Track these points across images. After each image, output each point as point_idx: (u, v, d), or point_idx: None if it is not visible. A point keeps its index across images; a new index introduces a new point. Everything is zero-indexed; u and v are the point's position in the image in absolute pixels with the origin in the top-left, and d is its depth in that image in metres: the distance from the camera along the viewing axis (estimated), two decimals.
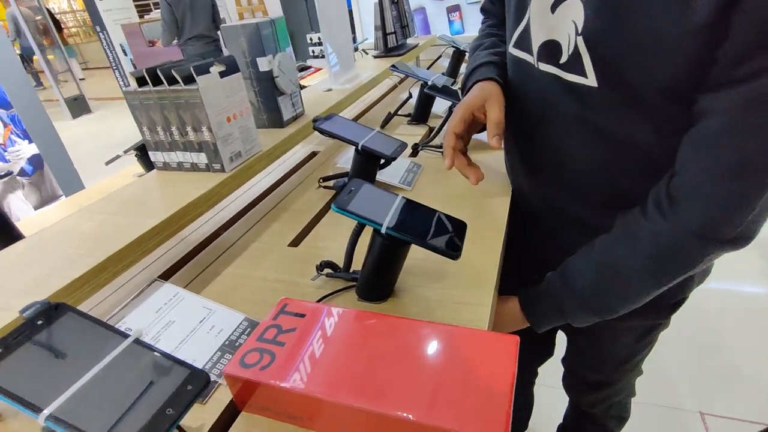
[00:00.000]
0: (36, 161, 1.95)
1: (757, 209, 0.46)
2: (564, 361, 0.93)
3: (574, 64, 0.52)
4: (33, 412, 0.32)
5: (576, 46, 0.51)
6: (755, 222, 0.47)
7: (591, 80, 0.51)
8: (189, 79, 0.64)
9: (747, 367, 1.44)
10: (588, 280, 0.58)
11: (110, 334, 0.38)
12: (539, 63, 0.58)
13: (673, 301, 0.67)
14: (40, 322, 0.37)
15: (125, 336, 0.38)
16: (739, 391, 1.38)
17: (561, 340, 0.90)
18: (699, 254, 0.50)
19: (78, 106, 5.63)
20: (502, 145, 0.63)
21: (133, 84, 0.68)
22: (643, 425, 1.30)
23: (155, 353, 0.37)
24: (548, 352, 1.00)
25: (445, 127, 0.70)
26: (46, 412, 0.32)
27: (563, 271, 0.61)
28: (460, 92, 0.81)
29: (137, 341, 0.38)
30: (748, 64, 0.41)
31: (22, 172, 1.88)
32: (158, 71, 0.64)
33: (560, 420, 1.12)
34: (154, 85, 0.66)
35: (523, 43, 0.60)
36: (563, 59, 0.53)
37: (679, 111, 0.47)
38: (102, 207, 0.64)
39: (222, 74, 0.67)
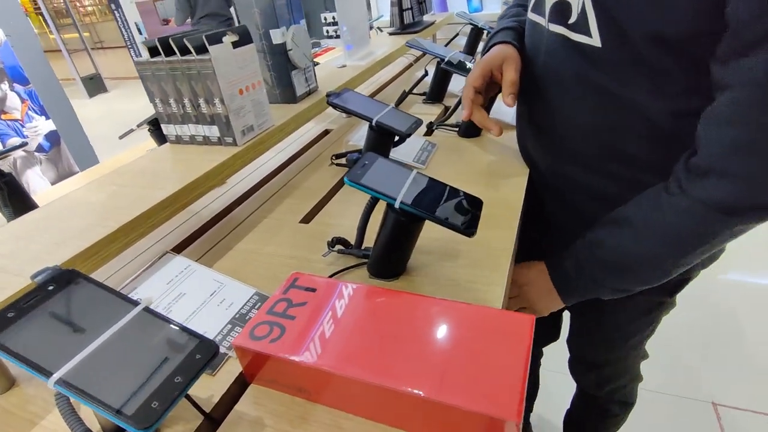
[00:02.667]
0: (53, 138, 1.97)
1: None
2: (568, 342, 0.92)
3: (581, 24, 0.53)
4: (43, 376, 0.32)
5: (583, 4, 0.52)
6: None
7: (595, 40, 0.52)
8: (201, 49, 0.63)
9: (761, 358, 1.40)
10: (611, 250, 0.58)
11: (120, 302, 0.37)
12: (550, 24, 0.59)
13: (675, 280, 0.66)
14: (51, 288, 0.37)
15: (135, 304, 0.37)
16: (753, 382, 1.35)
17: (567, 322, 0.89)
18: (722, 228, 0.49)
19: (94, 84, 5.68)
20: (515, 104, 0.65)
21: (145, 54, 0.67)
22: (654, 414, 1.29)
23: (165, 322, 0.37)
24: (554, 333, 0.99)
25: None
26: (56, 376, 0.32)
27: (590, 242, 0.61)
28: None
29: (147, 309, 0.37)
30: (761, 25, 0.39)
31: (40, 148, 1.90)
32: (170, 40, 0.63)
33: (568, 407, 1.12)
34: (166, 56, 0.65)
35: (539, 6, 0.62)
36: (572, 19, 0.54)
37: (681, 71, 0.48)
38: (113, 179, 0.64)
39: (235, 45, 0.66)
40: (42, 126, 1.91)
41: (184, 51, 0.64)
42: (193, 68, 0.63)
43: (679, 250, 0.53)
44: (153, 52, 0.66)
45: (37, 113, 1.94)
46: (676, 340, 1.49)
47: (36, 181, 1.87)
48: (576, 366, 0.95)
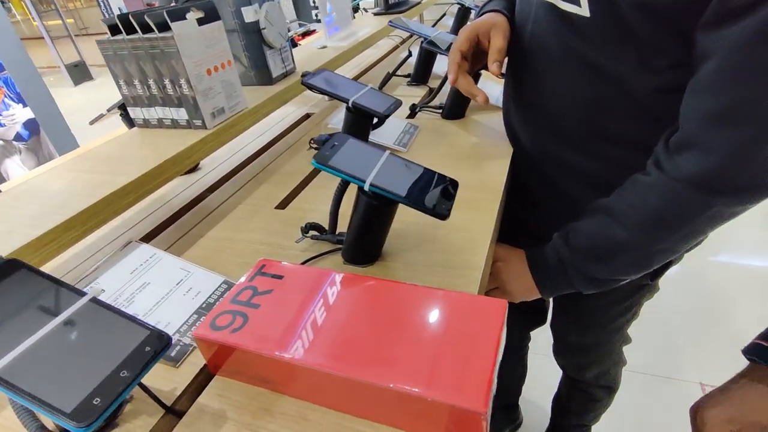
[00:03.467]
0: (32, 126, 1.91)
1: (763, 155, 0.42)
2: (551, 326, 0.92)
3: None
4: None
5: None
6: (762, 171, 0.43)
7: (584, 9, 0.49)
8: (164, 27, 0.60)
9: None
10: (586, 237, 0.56)
11: (66, 293, 0.35)
12: None
13: None
14: None
15: (82, 294, 0.35)
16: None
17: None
18: (699, 209, 0.47)
19: (79, 72, 5.54)
20: (502, 71, 0.63)
21: (108, 33, 0.63)
22: (642, 395, 1.30)
23: (114, 313, 0.35)
24: (541, 317, 0.98)
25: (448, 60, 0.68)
26: None
27: (566, 231, 0.59)
28: None
29: (94, 300, 0.35)
30: None
31: (18, 137, 1.85)
32: (130, 17, 0.59)
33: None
34: (127, 34, 0.61)
35: None
36: None
37: (669, 43, 0.46)
38: (75, 165, 0.61)
39: (200, 21, 0.62)
40: (19, 114, 1.86)
41: (147, 29, 0.60)
42: (156, 47, 0.60)
43: (656, 234, 0.51)
44: (114, 30, 0.62)
45: (14, 101, 1.88)
46: (665, 321, 1.49)
47: (15, 170, 1.82)
48: (559, 350, 0.94)
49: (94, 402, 0.29)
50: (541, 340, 1.03)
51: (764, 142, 0.41)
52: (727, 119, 0.42)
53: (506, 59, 0.66)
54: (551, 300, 0.87)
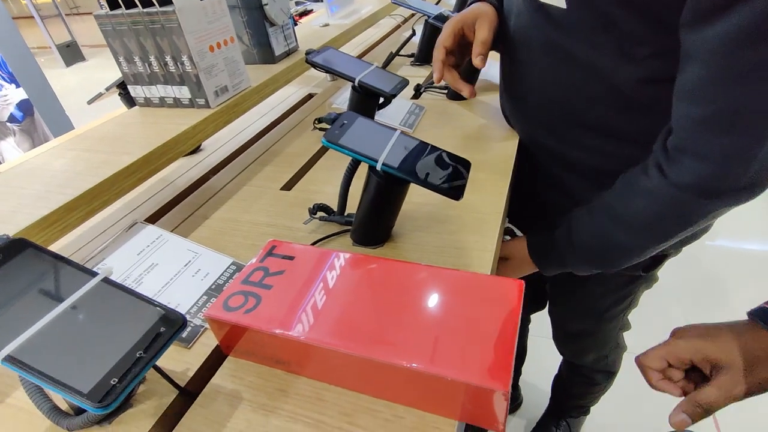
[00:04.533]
0: (26, 107, 1.87)
1: (759, 159, 0.41)
2: (549, 312, 0.93)
3: None
4: None
5: None
6: (760, 172, 0.42)
7: (561, 1, 0.49)
8: (164, 1, 0.57)
9: None
10: (589, 235, 0.56)
11: (77, 273, 0.34)
12: None
13: (651, 258, 0.65)
14: None
15: (93, 274, 0.35)
16: None
17: None
18: (699, 212, 0.47)
19: (71, 53, 5.42)
20: (485, 65, 0.63)
21: (106, 7, 0.61)
22: (636, 377, 1.32)
23: (126, 293, 0.34)
24: (540, 302, 0.99)
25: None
26: (3, 352, 0.29)
27: (569, 224, 0.59)
28: None
29: (106, 280, 0.35)
30: None
31: (12, 119, 1.81)
32: None
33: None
34: (127, 8, 0.59)
35: None
36: None
37: (649, 33, 0.45)
38: (75, 144, 0.60)
39: None
40: (12, 94, 1.82)
41: (147, 3, 0.58)
42: (157, 22, 0.58)
43: (658, 236, 0.51)
44: (113, 4, 0.60)
45: (6, 81, 1.83)
46: (662, 303, 1.51)
47: (10, 152, 1.79)
48: (558, 336, 0.95)
49: (111, 382, 0.29)
50: (542, 322, 1.03)
51: (759, 146, 0.40)
52: (718, 127, 0.41)
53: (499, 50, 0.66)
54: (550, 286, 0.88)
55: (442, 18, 0.93)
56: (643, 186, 0.49)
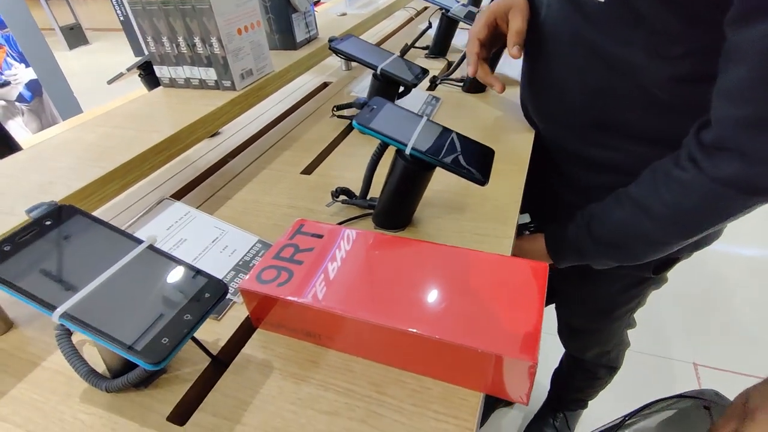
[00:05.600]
0: (34, 87, 1.87)
1: None
2: (556, 308, 0.94)
3: None
4: (47, 310, 0.30)
5: None
6: None
7: None
8: None
9: (742, 322, 1.46)
10: (611, 228, 0.56)
11: (123, 239, 0.36)
12: None
13: (663, 259, 0.66)
14: (48, 223, 0.35)
15: (139, 242, 0.36)
16: (735, 344, 1.40)
17: None
18: (738, 206, 0.47)
19: (75, 36, 5.39)
20: (522, 55, 0.63)
21: None
22: (635, 373, 1.34)
23: (171, 260, 0.36)
24: (548, 297, 0.99)
25: (465, 48, 0.68)
26: (59, 310, 0.30)
27: (589, 217, 0.59)
28: None
29: (152, 247, 0.36)
30: None
31: (21, 98, 1.81)
32: None
33: (557, 365, 1.15)
34: None
35: None
36: None
37: (684, 31, 0.45)
38: (104, 121, 0.61)
39: None
40: (22, 74, 1.81)
41: None
42: (188, 2, 0.59)
43: (688, 228, 0.51)
44: None
45: (16, 60, 1.83)
46: (663, 304, 1.53)
47: (18, 132, 1.79)
48: (563, 331, 0.97)
49: (163, 341, 0.30)
50: (547, 317, 1.05)
51: None
52: (762, 127, 0.41)
53: None
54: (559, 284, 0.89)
55: (471, 15, 0.93)
56: (677, 178, 0.48)
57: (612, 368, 0.99)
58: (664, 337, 1.46)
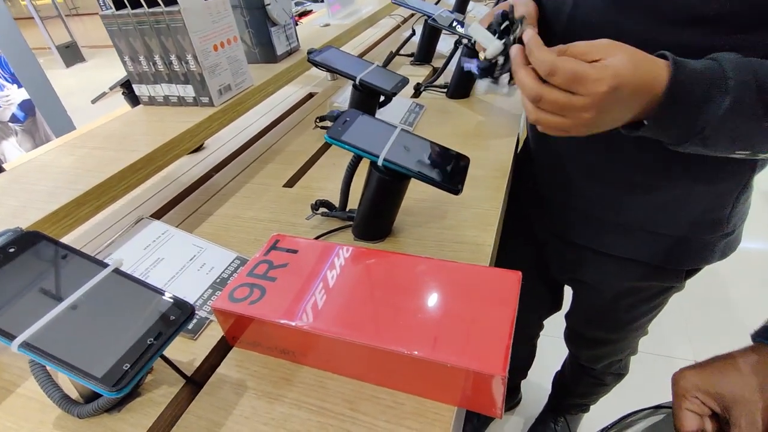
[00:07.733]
0: (27, 107, 1.88)
1: None
2: (567, 317, 0.90)
3: None
4: (6, 339, 0.30)
5: None
6: None
7: None
8: (169, 1, 0.59)
9: (742, 318, 1.44)
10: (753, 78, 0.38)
11: (88, 264, 0.36)
12: None
13: (690, 268, 0.65)
14: (12, 250, 0.34)
15: (104, 266, 0.36)
16: (736, 342, 1.39)
17: (567, 297, 0.88)
18: None
19: (71, 53, 5.43)
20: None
21: (111, 7, 0.62)
22: (635, 373, 1.33)
23: (136, 283, 0.35)
24: (555, 305, 0.95)
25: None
26: (18, 339, 0.30)
27: (749, 66, 0.39)
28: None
29: (117, 271, 0.36)
30: None
31: (14, 119, 1.82)
32: None
33: (557, 368, 1.13)
34: (132, 8, 0.60)
35: None
36: None
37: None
38: (84, 142, 0.61)
39: None
40: (14, 95, 1.83)
41: (152, 3, 0.59)
42: (162, 21, 0.59)
43: None
44: (119, 4, 0.61)
45: (8, 81, 1.84)
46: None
47: (12, 152, 1.80)
48: (575, 340, 0.93)
49: (124, 367, 0.30)
50: (547, 320, 1.04)
51: None
52: None
53: None
54: (570, 293, 0.84)
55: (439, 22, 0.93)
56: None
57: (619, 375, 0.96)
58: (663, 335, 1.44)
